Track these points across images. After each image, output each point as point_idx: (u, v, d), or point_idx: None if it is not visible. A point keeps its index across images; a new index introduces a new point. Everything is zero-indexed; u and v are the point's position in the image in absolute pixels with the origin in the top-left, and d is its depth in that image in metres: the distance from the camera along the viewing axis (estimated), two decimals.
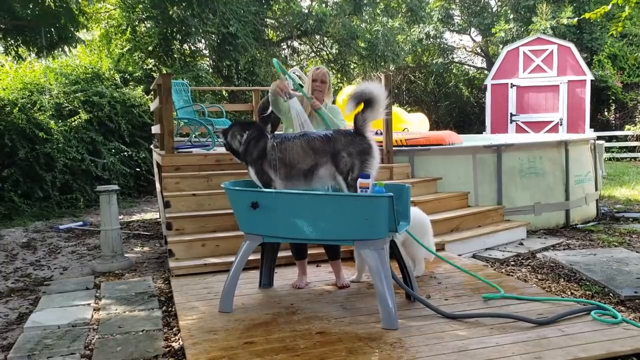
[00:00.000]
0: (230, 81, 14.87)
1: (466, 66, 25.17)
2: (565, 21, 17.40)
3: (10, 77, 10.92)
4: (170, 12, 12.75)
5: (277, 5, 17.45)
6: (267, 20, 17.72)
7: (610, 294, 4.47)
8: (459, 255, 5.46)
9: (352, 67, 20.45)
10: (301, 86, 4.44)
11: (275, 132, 5.54)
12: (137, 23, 14.33)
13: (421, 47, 23.20)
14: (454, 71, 24.35)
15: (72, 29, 8.72)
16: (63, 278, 5.38)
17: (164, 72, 12.47)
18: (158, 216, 8.59)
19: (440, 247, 5.52)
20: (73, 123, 10.10)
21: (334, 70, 19.78)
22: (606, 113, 19.40)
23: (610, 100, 18.64)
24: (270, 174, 3.91)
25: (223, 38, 14.09)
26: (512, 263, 5.54)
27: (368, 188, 3.70)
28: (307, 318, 3.65)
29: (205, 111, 8.32)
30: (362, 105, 3.82)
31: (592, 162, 7.98)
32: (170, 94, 6.23)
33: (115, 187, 5.85)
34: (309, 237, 3.62)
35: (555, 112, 15.91)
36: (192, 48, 15.92)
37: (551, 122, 15.86)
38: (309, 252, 4.50)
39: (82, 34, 10.89)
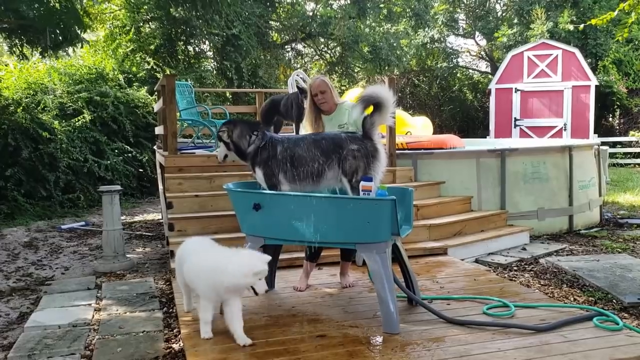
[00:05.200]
0: (233, 83, 14.89)
1: (470, 70, 25.12)
2: (567, 26, 17.30)
3: (15, 76, 10.95)
4: (174, 13, 12.78)
5: (281, 8, 17.47)
6: (272, 22, 17.74)
7: (614, 301, 4.44)
8: (462, 259, 5.43)
9: (356, 70, 20.44)
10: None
11: (285, 134, 5.52)
12: (141, 24, 14.36)
13: (425, 51, 23.17)
14: (458, 75, 24.29)
15: (76, 30, 8.73)
16: (64, 278, 5.38)
17: (168, 73, 12.49)
18: (160, 217, 8.59)
19: (443, 251, 5.50)
20: (77, 123, 10.12)
21: (337, 74, 19.77)
22: (610, 119, 19.32)
23: (615, 106, 18.57)
24: (280, 176, 3.89)
25: (227, 40, 14.10)
26: (515, 268, 5.51)
27: (370, 191, 3.68)
28: (308, 321, 3.64)
29: (208, 112, 8.33)
30: (371, 108, 3.81)
31: (596, 167, 7.95)
32: (174, 95, 6.23)
33: (118, 187, 5.85)
34: (311, 240, 3.59)
35: (559, 118, 15.86)
36: (196, 49, 15.95)
37: (555, 127, 15.81)
38: None
39: (86, 34, 10.90)
